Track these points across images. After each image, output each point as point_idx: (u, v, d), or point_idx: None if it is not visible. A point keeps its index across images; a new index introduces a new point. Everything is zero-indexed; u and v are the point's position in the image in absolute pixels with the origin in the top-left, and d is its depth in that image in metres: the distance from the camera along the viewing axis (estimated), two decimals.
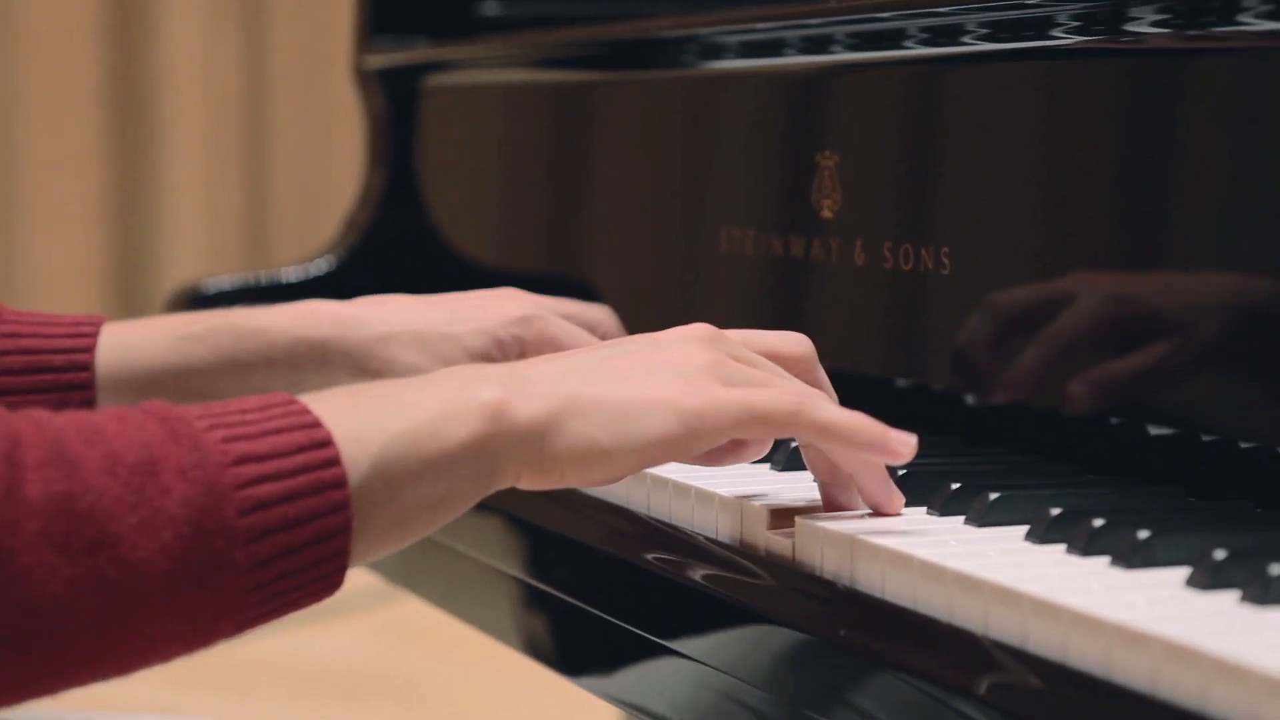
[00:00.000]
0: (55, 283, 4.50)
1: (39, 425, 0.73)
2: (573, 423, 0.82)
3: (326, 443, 0.76)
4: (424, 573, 1.30)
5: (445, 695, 2.84)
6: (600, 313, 1.22)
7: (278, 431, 0.76)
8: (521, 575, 1.11)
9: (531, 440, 0.81)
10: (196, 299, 1.65)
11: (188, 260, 4.73)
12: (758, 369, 0.87)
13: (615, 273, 1.42)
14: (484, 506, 1.12)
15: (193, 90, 4.67)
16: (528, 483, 0.83)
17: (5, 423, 0.72)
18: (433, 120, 1.67)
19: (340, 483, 0.76)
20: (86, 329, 1.13)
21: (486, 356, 1.13)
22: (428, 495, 0.79)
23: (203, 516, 0.73)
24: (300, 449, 0.76)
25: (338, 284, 1.68)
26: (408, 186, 1.69)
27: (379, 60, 1.70)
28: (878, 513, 0.88)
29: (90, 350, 1.12)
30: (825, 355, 1.15)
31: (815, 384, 0.91)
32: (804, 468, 0.92)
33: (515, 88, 1.56)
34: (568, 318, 1.17)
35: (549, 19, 1.72)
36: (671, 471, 0.98)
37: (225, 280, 1.66)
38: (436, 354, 1.13)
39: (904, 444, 0.84)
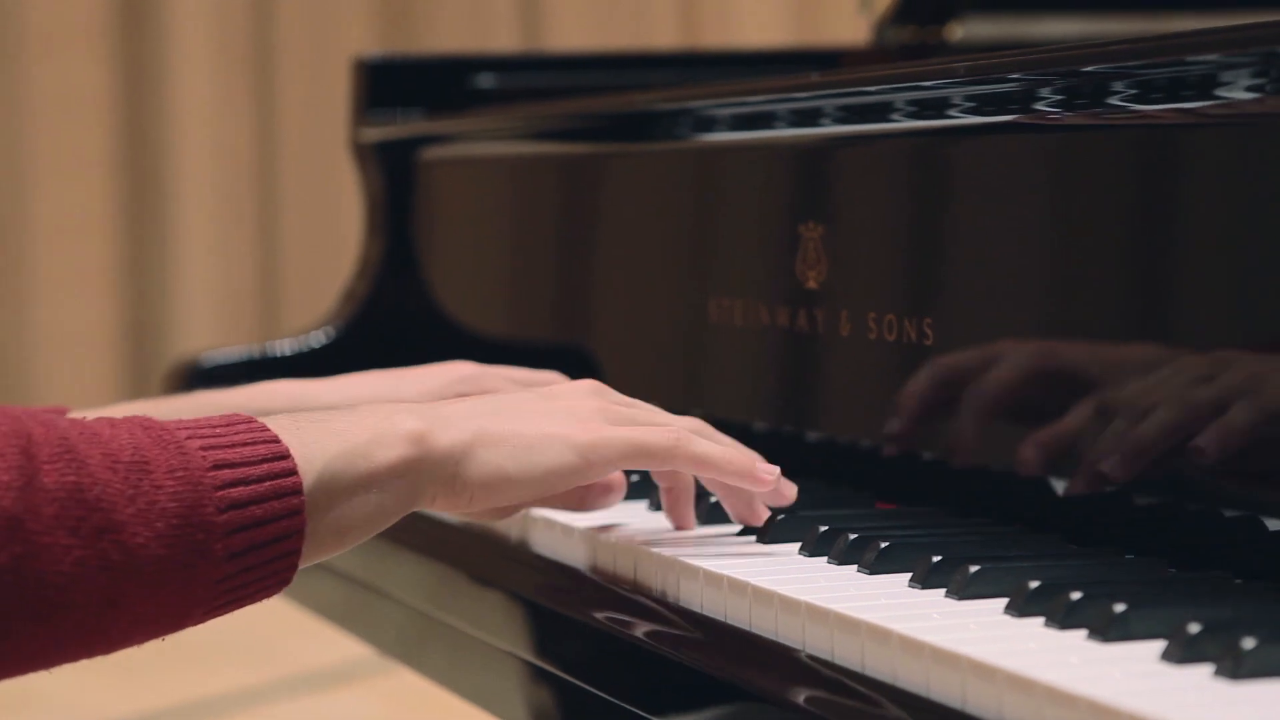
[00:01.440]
0: (65, 348, 4.51)
1: (47, 425, 0.83)
2: (484, 452, 0.93)
3: (285, 455, 0.87)
4: (425, 648, 1.30)
5: None
6: (550, 377, 1.29)
7: (245, 444, 0.87)
8: (524, 654, 1.11)
9: (448, 465, 0.92)
10: (195, 373, 1.66)
11: (198, 326, 4.74)
12: (640, 413, 0.99)
13: (612, 342, 1.43)
14: (483, 581, 1.14)
15: (203, 157, 4.69)
16: (442, 505, 0.94)
17: (19, 422, 0.82)
18: (429, 192, 1.68)
19: (297, 490, 0.87)
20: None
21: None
22: (360, 508, 0.90)
23: (189, 511, 0.84)
24: (264, 459, 0.87)
25: (335, 356, 1.69)
26: (405, 258, 1.71)
27: (375, 134, 1.71)
28: (747, 527, 1.02)
29: None
30: (813, 422, 1.15)
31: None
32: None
33: (510, 160, 1.57)
34: (516, 381, 1.26)
35: (543, 91, 1.74)
36: (695, 558, 0.98)
37: (222, 354, 1.67)
38: None
39: (769, 473, 0.99)
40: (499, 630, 1.12)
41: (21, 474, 0.80)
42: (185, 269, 4.70)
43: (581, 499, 1.03)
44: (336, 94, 4.78)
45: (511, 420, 0.95)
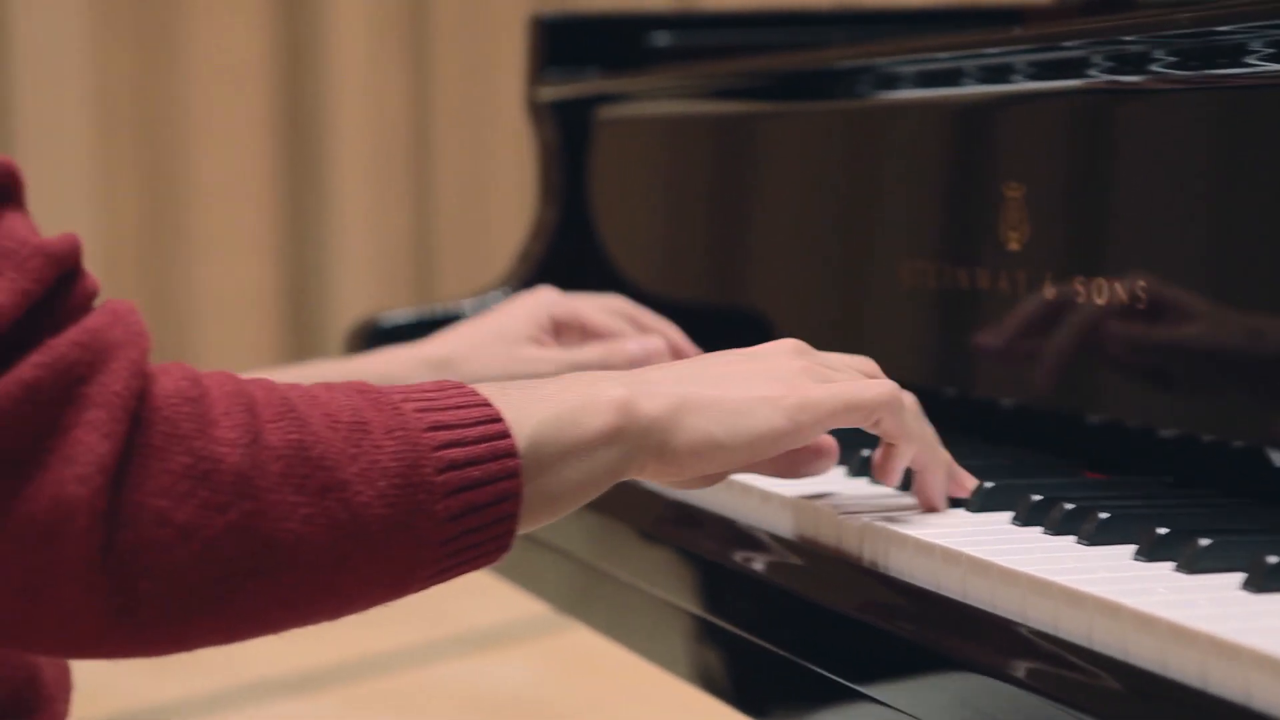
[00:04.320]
0: (226, 309, 4.56)
1: (267, 388, 0.83)
2: (690, 418, 0.91)
3: (498, 419, 0.86)
4: (595, 602, 1.29)
5: None
6: (614, 301, 1.34)
7: (459, 407, 0.86)
8: (695, 609, 1.10)
9: (655, 433, 0.90)
10: (374, 333, 1.66)
11: (355, 288, 4.77)
12: (844, 372, 0.97)
13: (789, 305, 1.40)
14: (652, 537, 1.14)
15: (360, 120, 4.71)
16: (651, 474, 0.92)
17: (241, 383, 0.82)
18: (606, 151, 1.67)
19: (513, 453, 0.85)
20: None
21: (530, 338, 1.31)
22: (570, 476, 0.88)
23: (409, 470, 0.82)
24: (479, 422, 0.85)
25: None
26: (580, 217, 1.69)
27: (551, 93, 1.70)
28: (927, 507, 0.99)
29: None
30: (1012, 389, 1.12)
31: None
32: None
33: (690, 119, 1.55)
34: (580, 307, 1.34)
35: (719, 48, 1.71)
36: (894, 522, 0.97)
37: (400, 314, 1.67)
38: (491, 355, 1.30)
39: (969, 483, 0.99)
40: (674, 588, 1.11)
41: (247, 432, 0.79)
42: (342, 231, 4.73)
43: (792, 464, 0.99)
44: (492, 55, 4.80)
45: (716, 385, 0.93)
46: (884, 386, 0.96)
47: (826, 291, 1.36)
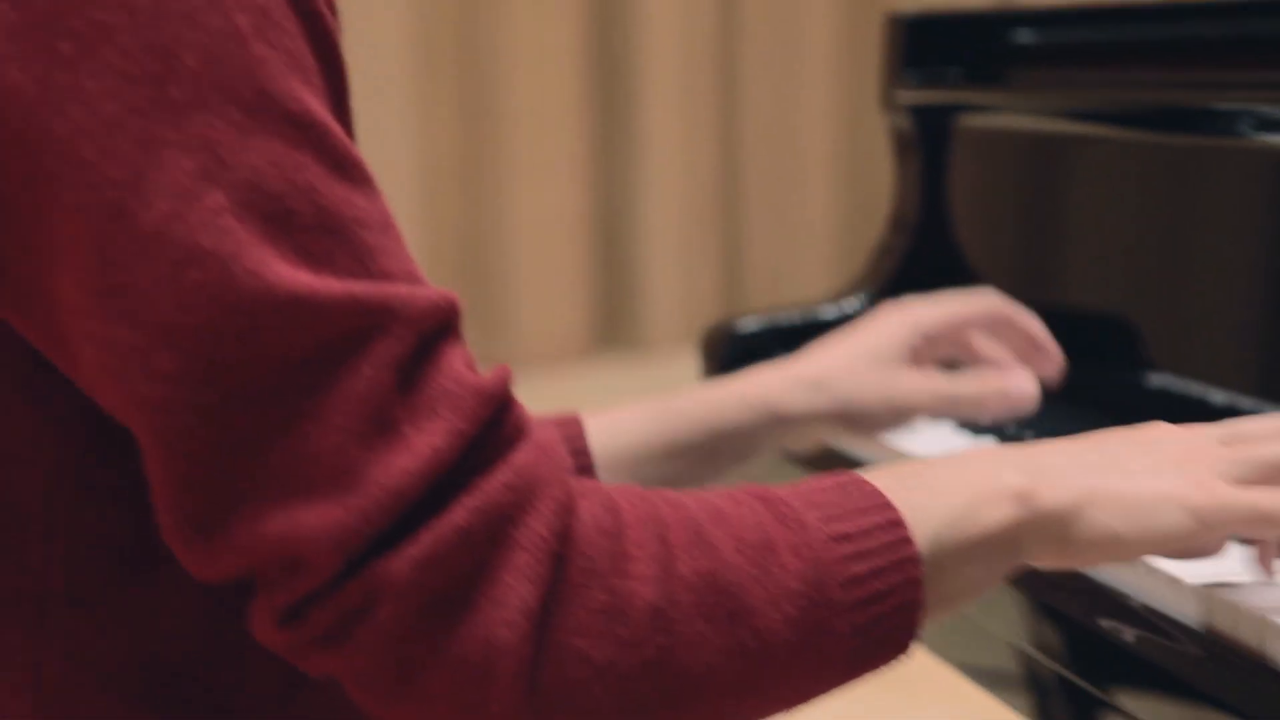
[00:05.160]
0: (537, 233, 4.62)
1: (677, 507, 0.83)
2: (1092, 512, 0.88)
3: (900, 523, 0.85)
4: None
5: None
6: (990, 300, 1.28)
7: (860, 512, 0.85)
8: (1049, 662, 1.09)
9: (1055, 526, 0.88)
10: (729, 338, 1.66)
11: (664, 210, 4.79)
12: (1260, 449, 0.91)
13: (1167, 328, 1.37)
14: (1020, 585, 1.12)
15: (669, 49, 4.71)
16: (1045, 563, 0.90)
17: (651, 505, 0.82)
18: (965, 157, 1.64)
19: (916, 560, 0.84)
20: (573, 422, 1.22)
21: (903, 359, 1.26)
22: (968, 574, 0.87)
23: (814, 590, 0.82)
24: (880, 528, 0.84)
25: None
26: (938, 216, 1.67)
27: (910, 97, 1.67)
28: None
29: (583, 436, 1.21)
30: None
31: None
32: None
33: (1052, 137, 1.51)
34: (954, 318, 1.28)
35: (1086, 45, 1.67)
36: None
37: (754, 321, 1.67)
38: (865, 377, 1.25)
39: None
40: (1030, 637, 1.09)
41: (660, 564, 0.80)
42: (650, 156, 4.75)
43: (1188, 548, 0.96)
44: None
45: (1120, 476, 0.90)
46: None
47: (1222, 330, 1.32)
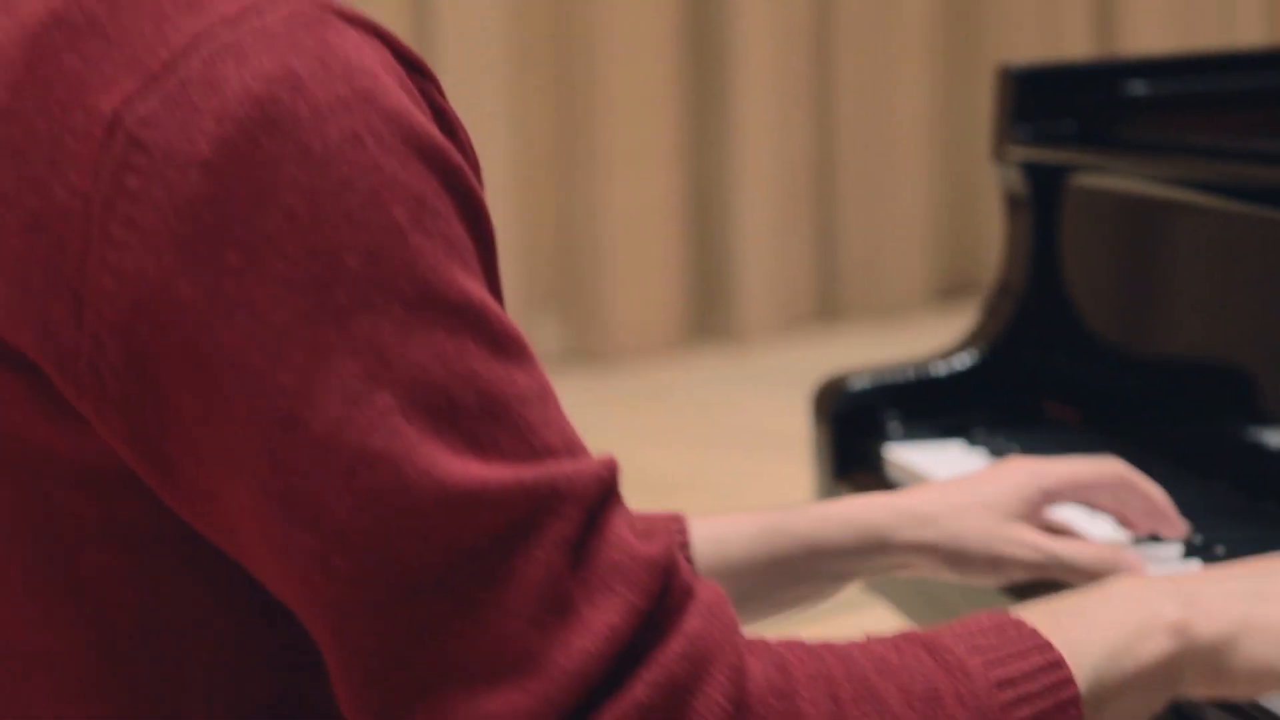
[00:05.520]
0: (632, 220, 4.62)
1: (844, 660, 0.84)
2: (1248, 643, 0.89)
3: (1061, 664, 0.85)
4: None
5: None
6: (1113, 466, 1.26)
7: (1021, 655, 0.86)
8: None
9: (1210, 657, 0.89)
10: (842, 396, 1.66)
11: (757, 200, 4.79)
12: None
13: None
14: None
15: (762, 35, 4.70)
16: (1201, 693, 0.90)
17: (819, 661, 0.83)
18: (1077, 215, 1.63)
19: (1075, 701, 0.85)
20: (677, 525, 1.22)
21: (1018, 515, 1.23)
22: (1123, 707, 0.87)
23: None
24: (1041, 670, 0.85)
25: (981, 379, 1.67)
26: (1049, 273, 1.66)
27: (1022, 154, 1.66)
28: None
29: (686, 547, 1.21)
30: None
31: None
32: None
33: (1168, 204, 1.50)
34: (1078, 478, 1.25)
35: (1201, 95, 1.66)
36: None
37: (866, 379, 1.67)
38: (976, 523, 1.23)
39: None
40: None
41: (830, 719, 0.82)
42: (744, 146, 4.74)
43: None
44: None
45: (1276, 604, 0.91)
46: None
47: None
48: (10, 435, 0.80)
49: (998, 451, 1.55)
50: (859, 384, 1.67)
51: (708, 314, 4.82)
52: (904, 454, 1.59)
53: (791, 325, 4.87)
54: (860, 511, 1.24)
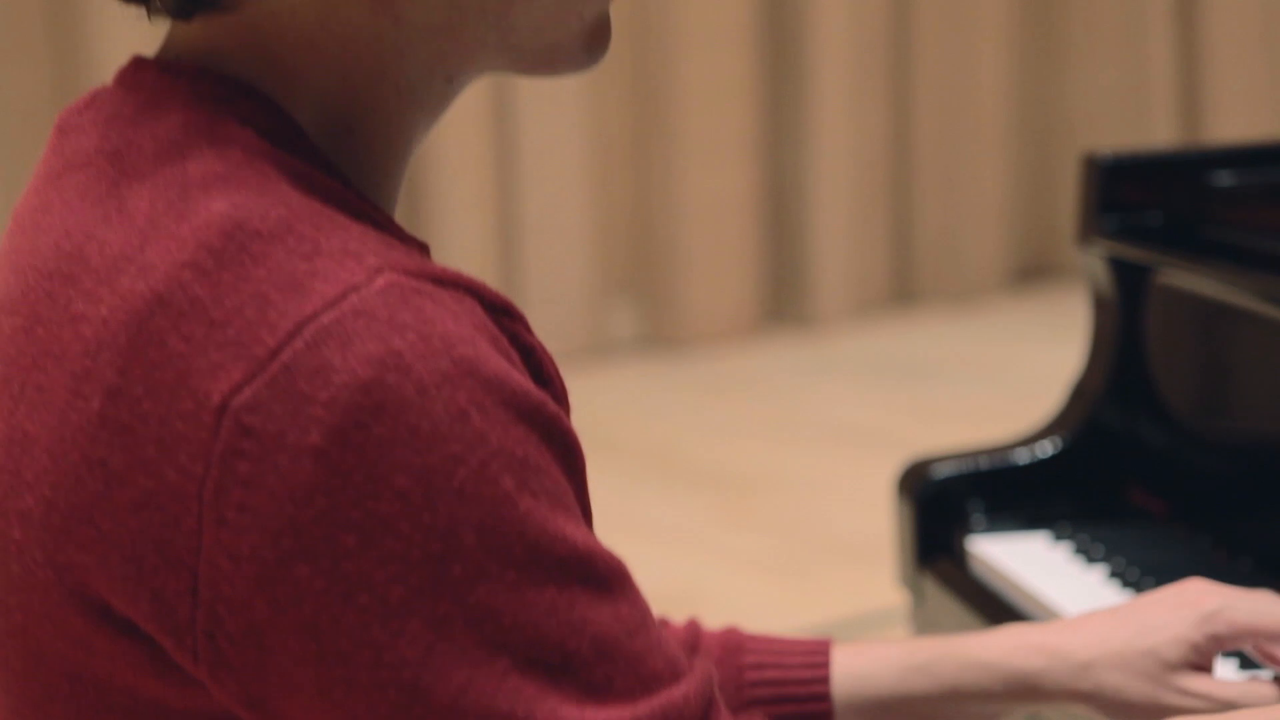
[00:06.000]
0: (708, 212, 4.63)
1: None
2: None
3: None
4: None
5: None
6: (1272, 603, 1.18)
7: None
8: None
9: None
10: (926, 483, 1.68)
11: (834, 191, 4.79)
12: None
13: None
14: None
15: (840, 28, 4.69)
16: None
17: None
18: (1162, 312, 1.64)
19: None
20: (819, 659, 1.21)
21: (1186, 663, 1.15)
22: None
23: None
24: None
25: (1065, 468, 1.68)
26: (1133, 368, 1.67)
27: (1106, 248, 1.67)
28: None
29: (826, 681, 1.21)
30: None
31: None
32: None
33: (1251, 314, 1.51)
34: (1257, 628, 1.16)
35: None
36: None
37: (950, 466, 1.69)
38: (1139, 671, 1.16)
39: None
40: None
41: None
42: (820, 136, 4.73)
43: None
44: None
45: None
46: None
47: None
48: (122, 690, 0.83)
49: (1083, 549, 1.57)
50: (943, 471, 1.69)
51: (783, 302, 4.84)
52: (988, 548, 1.61)
53: (867, 310, 4.88)
54: (1008, 656, 1.19)
